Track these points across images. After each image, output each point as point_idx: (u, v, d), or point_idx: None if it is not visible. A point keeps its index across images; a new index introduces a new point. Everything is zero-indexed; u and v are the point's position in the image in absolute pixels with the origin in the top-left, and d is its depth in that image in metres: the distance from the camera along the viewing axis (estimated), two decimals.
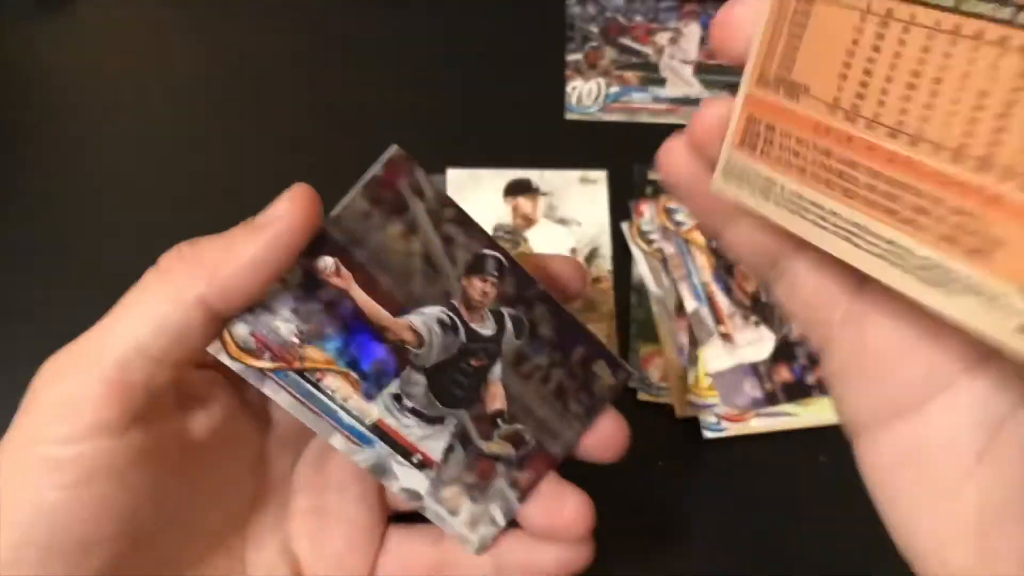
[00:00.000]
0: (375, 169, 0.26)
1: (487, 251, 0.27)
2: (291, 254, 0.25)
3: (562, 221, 0.46)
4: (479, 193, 0.47)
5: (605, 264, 0.45)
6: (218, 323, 0.25)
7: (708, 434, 0.41)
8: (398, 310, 0.27)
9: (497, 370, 0.29)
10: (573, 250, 0.45)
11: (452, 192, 0.47)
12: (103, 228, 0.46)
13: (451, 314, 0.28)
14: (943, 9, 0.16)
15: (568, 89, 0.51)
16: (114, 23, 0.53)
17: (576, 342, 0.29)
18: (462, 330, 0.28)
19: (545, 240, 0.46)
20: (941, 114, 0.17)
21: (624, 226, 0.46)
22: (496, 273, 0.28)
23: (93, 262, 0.45)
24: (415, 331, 0.27)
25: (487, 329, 0.28)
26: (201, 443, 0.27)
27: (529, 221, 0.46)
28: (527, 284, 0.28)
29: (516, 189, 0.47)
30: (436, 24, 0.53)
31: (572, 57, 0.52)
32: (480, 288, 0.28)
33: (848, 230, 0.19)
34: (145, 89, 0.51)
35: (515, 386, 0.29)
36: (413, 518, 0.31)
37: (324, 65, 0.52)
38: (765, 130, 0.21)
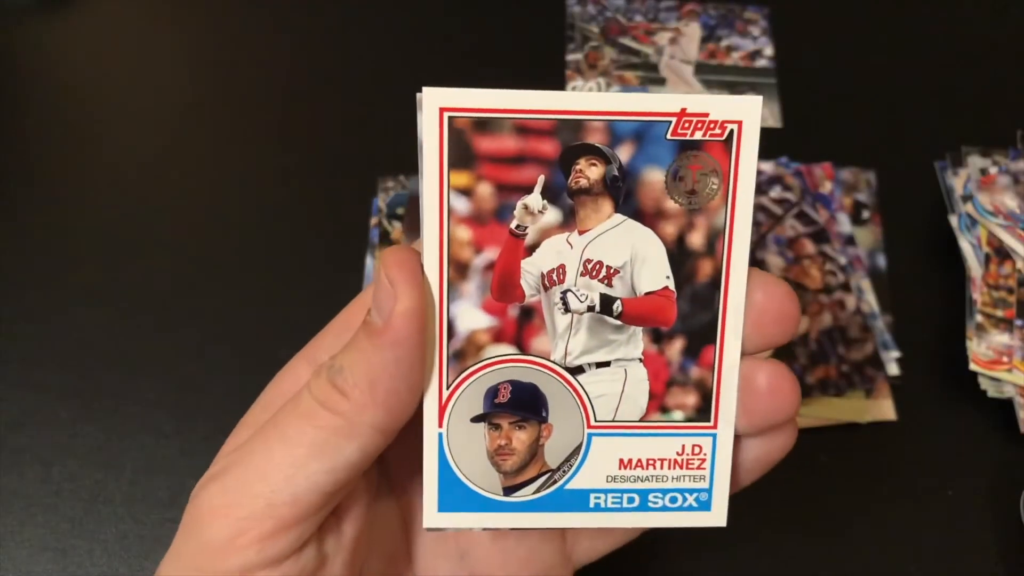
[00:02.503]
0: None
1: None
2: (423, 336, 0.24)
3: None
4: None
5: None
6: (391, 437, 0.24)
7: None
8: None
9: None
10: None
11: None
12: (105, 226, 0.46)
13: None
14: None
15: (568, 89, 0.51)
16: (116, 20, 0.53)
17: None
18: None
19: None
20: None
21: None
22: None
23: (94, 261, 0.45)
24: None
25: None
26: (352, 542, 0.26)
27: None
28: None
29: None
30: (436, 23, 0.53)
31: (572, 57, 0.52)
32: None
33: None
34: (147, 86, 0.51)
35: None
36: None
37: (325, 63, 0.52)
38: None
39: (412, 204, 0.47)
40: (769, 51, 0.52)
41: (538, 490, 0.26)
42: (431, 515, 0.26)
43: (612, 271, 0.25)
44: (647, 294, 0.25)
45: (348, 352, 0.24)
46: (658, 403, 0.26)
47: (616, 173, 0.24)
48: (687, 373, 0.26)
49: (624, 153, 0.24)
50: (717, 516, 0.27)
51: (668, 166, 0.24)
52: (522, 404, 0.25)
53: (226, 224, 0.47)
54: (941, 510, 0.41)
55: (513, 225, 0.24)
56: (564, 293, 0.25)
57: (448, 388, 0.25)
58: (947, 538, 0.40)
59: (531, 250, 0.25)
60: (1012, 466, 0.41)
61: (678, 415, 0.26)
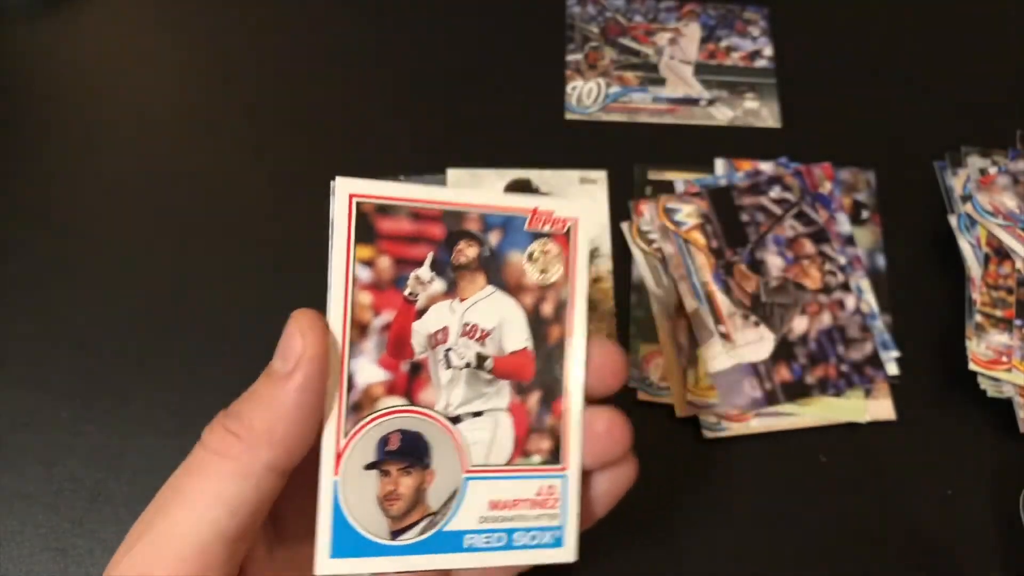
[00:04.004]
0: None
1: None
2: (323, 383, 0.27)
3: None
4: (479, 193, 0.47)
5: (605, 264, 0.45)
6: (285, 477, 0.26)
7: (708, 434, 0.41)
8: None
9: None
10: None
11: None
12: (105, 226, 0.46)
13: None
14: None
15: (568, 89, 0.51)
16: (117, 20, 0.53)
17: None
18: None
19: None
20: None
21: (624, 226, 0.46)
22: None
23: (95, 261, 0.45)
24: None
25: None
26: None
27: None
28: None
29: (516, 189, 0.47)
30: (436, 24, 0.53)
31: (572, 57, 0.52)
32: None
33: None
34: (147, 87, 0.51)
35: None
36: None
37: (325, 64, 0.52)
38: None
39: None
40: (769, 51, 0.52)
41: (422, 532, 0.29)
42: (323, 562, 0.28)
43: (485, 333, 0.30)
44: (511, 353, 0.30)
45: (246, 399, 0.26)
46: (521, 448, 0.30)
47: (488, 253, 0.30)
48: (543, 421, 0.30)
49: (494, 238, 0.30)
50: (568, 553, 0.30)
51: (525, 250, 0.30)
52: (410, 451, 0.29)
53: (226, 224, 0.47)
54: (940, 510, 0.41)
55: (407, 292, 0.29)
56: (447, 351, 0.29)
57: (345, 437, 0.28)
58: (946, 538, 0.40)
59: (421, 314, 0.29)
60: (1011, 466, 0.41)
61: (536, 459, 0.30)
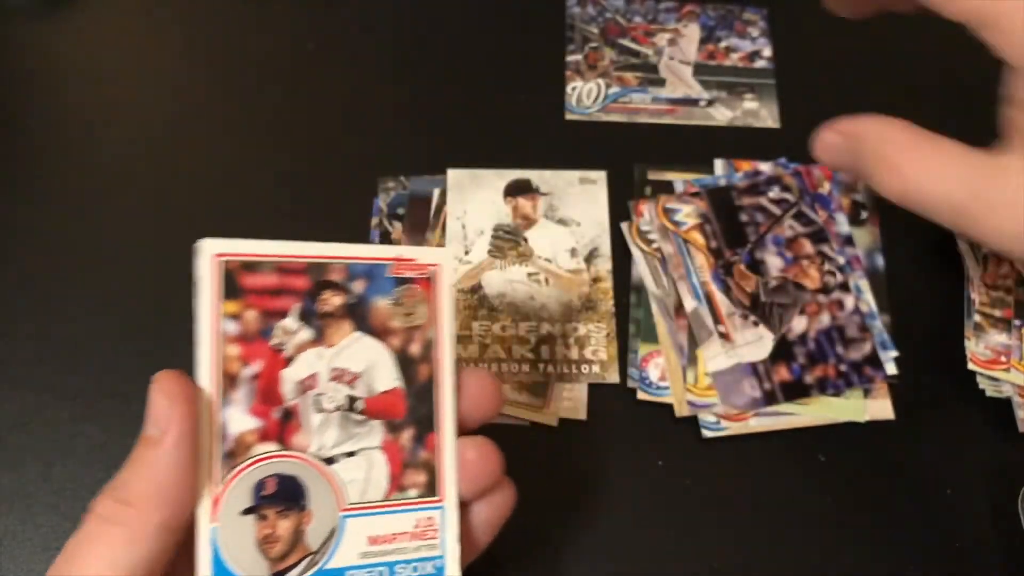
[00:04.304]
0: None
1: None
2: (195, 439, 0.28)
3: (562, 221, 0.46)
4: (480, 193, 0.47)
5: (605, 264, 0.45)
6: (179, 533, 0.28)
7: (707, 433, 0.41)
8: None
9: None
10: (573, 250, 0.46)
11: (452, 192, 0.47)
12: (106, 225, 0.46)
13: None
14: None
15: (568, 90, 0.51)
16: (116, 20, 0.53)
17: None
18: None
19: (545, 240, 0.46)
20: None
21: (623, 226, 0.46)
22: None
23: (95, 261, 0.46)
24: None
25: None
26: None
27: (529, 221, 0.46)
28: None
29: (516, 189, 0.47)
30: (437, 24, 0.53)
31: (572, 58, 0.52)
32: None
33: None
34: (147, 87, 0.51)
35: None
36: None
37: (324, 64, 0.52)
38: None
39: (412, 204, 0.47)
40: (768, 52, 0.52)
41: (302, 572, 0.29)
42: None
43: (354, 376, 0.31)
44: (382, 393, 0.31)
45: (127, 467, 0.28)
46: (396, 484, 0.31)
47: (353, 301, 0.31)
48: (417, 456, 0.31)
49: (359, 286, 0.31)
50: None
51: (390, 295, 0.32)
52: (285, 495, 0.30)
53: (227, 224, 0.47)
54: (939, 509, 0.41)
55: (274, 342, 0.30)
56: (318, 396, 0.31)
57: (220, 485, 0.29)
58: (946, 537, 0.40)
59: (289, 362, 0.30)
60: (1010, 465, 0.41)
61: (413, 492, 0.31)
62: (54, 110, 0.50)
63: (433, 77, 0.51)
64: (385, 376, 0.32)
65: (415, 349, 0.32)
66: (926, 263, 0.46)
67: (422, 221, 0.46)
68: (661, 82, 0.52)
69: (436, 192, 0.47)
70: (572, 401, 0.42)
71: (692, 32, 0.53)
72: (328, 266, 0.31)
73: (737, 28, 0.53)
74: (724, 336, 0.43)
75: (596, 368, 0.43)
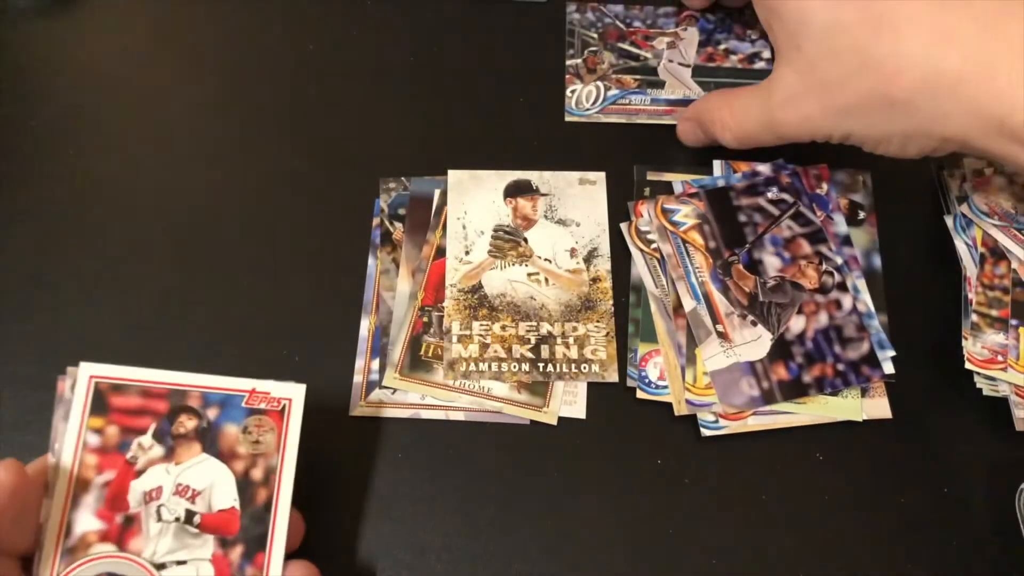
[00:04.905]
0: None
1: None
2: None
3: (562, 222, 0.47)
4: (480, 194, 0.47)
5: (604, 264, 0.46)
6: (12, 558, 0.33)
7: (706, 432, 0.42)
8: None
9: None
10: (573, 250, 0.46)
11: (453, 193, 0.47)
12: (108, 226, 0.47)
13: None
14: None
15: (568, 92, 0.51)
16: (119, 21, 0.54)
17: None
18: None
19: (545, 240, 0.46)
20: None
21: (623, 226, 0.46)
22: None
23: (97, 260, 0.46)
24: None
25: None
26: None
27: (529, 222, 0.47)
28: None
29: (516, 190, 0.48)
30: (439, 28, 0.53)
31: (571, 62, 0.52)
32: None
33: None
34: (150, 88, 0.51)
35: None
36: None
37: (328, 66, 0.52)
38: None
39: (413, 204, 0.47)
40: (767, 54, 0.52)
41: None
42: None
43: (195, 493, 0.35)
44: (219, 511, 0.35)
45: None
46: None
47: (205, 425, 0.35)
48: (244, 571, 0.34)
49: (212, 412, 0.35)
50: None
51: (241, 423, 0.35)
52: None
53: (229, 224, 0.47)
54: (937, 508, 0.41)
55: (128, 455, 0.35)
56: (160, 507, 0.34)
57: None
58: (943, 535, 0.40)
59: (139, 474, 0.34)
60: (1007, 464, 0.42)
61: None
62: (56, 111, 0.50)
63: (435, 80, 0.52)
64: (224, 495, 0.35)
65: (257, 474, 0.35)
66: (923, 263, 0.47)
67: (423, 221, 0.47)
68: (660, 84, 0.52)
69: (437, 192, 0.47)
70: (572, 400, 0.43)
71: (691, 35, 0.53)
72: (187, 393, 0.35)
73: (736, 31, 0.53)
74: (723, 336, 0.43)
75: (596, 367, 0.43)
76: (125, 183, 0.48)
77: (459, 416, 0.42)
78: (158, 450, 0.35)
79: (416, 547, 0.40)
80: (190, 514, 0.34)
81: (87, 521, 0.34)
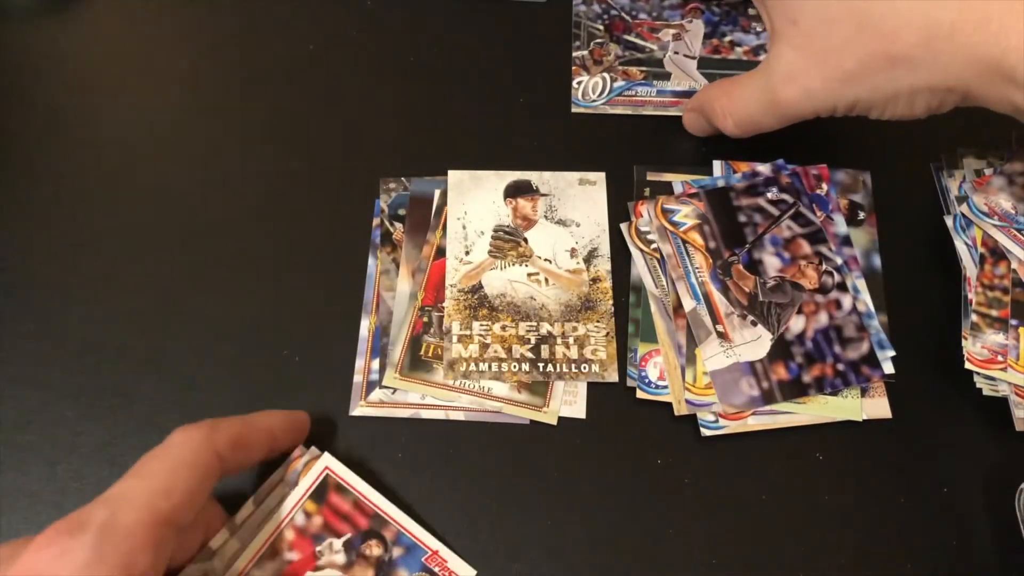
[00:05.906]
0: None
1: None
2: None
3: (562, 222, 0.47)
4: (480, 194, 0.47)
5: (604, 264, 0.46)
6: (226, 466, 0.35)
7: (706, 432, 0.42)
8: None
9: None
10: (573, 250, 0.46)
11: (453, 193, 0.47)
12: (108, 225, 0.47)
13: None
14: None
15: (574, 84, 0.51)
16: (118, 21, 0.53)
17: None
18: None
19: (545, 240, 0.46)
20: None
21: (623, 227, 0.46)
22: None
23: (98, 260, 0.46)
24: None
25: None
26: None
27: (529, 222, 0.47)
28: None
29: (516, 190, 0.47)
30: (440, 25, 0.53)
31: (577, 54, 0.52)
32: None
33: None
34: (149, 88, 0.51)
35: None
36: None
37: (326, 65, 0.52)
38: None
39: (413, 205, 0.47)
40: None
41: None
42: None
43: None
44: None
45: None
46: None
47: (386, 559, 0.38)
48: None
49: (397, 551, 0.38)
50: None
51: (413, 574, 0.37)
52: None
53: (229, 224, 0.47)
54: (936, 508, 0.41)
55: (317, 548, 0.37)
56: None
57: None
58: (943, 535, 0.40)
59: (317, 569, 0.37)
60: (1007, 464, 0.42)
61: None
62: (56, 111, 0.50)
63: (435, 80, 0.52)
64: None
65: None
66: (923, 263, 0.47)
67: (423, 221, 0.47)
68: (666, 76, 0.52)
69: (437, 193, 0.47)
70: (572, 400, 0.43)
71: (697, 27, 0.53)
72: (388, 524, 0.38)
73: (742, 23, 0.53)
74: (722, 335, 0.43)
75: (596, 367, 0.43)
76: (124, 183, 0.48)
77: (459, 416, 0.42)
78: (341, 558, 0.37)
79: None
80: None
81: None
